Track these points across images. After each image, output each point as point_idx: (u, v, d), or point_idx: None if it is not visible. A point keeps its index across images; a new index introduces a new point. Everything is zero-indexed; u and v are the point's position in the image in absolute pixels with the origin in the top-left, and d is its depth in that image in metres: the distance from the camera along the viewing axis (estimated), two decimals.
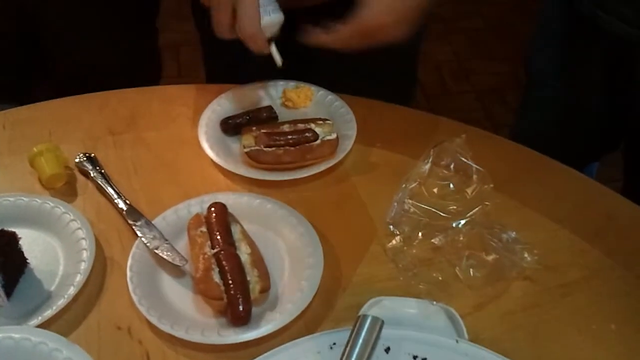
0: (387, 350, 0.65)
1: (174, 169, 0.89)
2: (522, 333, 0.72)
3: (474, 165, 0.83)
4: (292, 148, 0.87)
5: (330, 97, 0.97)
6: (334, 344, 0.66)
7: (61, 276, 0.76)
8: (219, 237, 0.75)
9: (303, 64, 1.08)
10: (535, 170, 0.90)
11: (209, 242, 0.74)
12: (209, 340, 0.68)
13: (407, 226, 0.80)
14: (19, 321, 0.69)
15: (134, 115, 0.97)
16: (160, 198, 0.84)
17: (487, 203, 0.81)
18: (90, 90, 1.01)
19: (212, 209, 0.78)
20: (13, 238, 0.74)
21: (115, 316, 0.73)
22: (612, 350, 0.70)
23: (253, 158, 0.87)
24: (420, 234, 0.79)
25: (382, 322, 0.65)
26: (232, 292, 0.70)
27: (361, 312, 0.70)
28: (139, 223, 0.79)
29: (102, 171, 0.87)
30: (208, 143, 0.90)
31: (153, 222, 0.79)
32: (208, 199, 0.81)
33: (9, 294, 0.73)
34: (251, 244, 0.76)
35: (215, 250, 0.73)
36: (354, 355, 0.62)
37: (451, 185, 0.84)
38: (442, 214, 0.81)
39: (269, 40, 0.85)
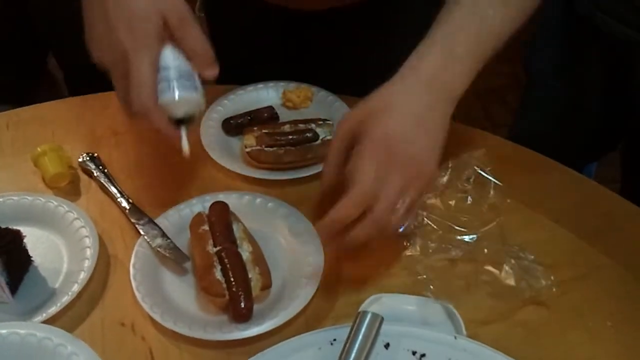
0: (387, 346, 0.66)
1: (176, 169, 0.90)
2: (519, 330, 0.73)
3: (493, 180, 0.83)
4: (293, 148, 0.88)
5: (331, 97, 0.99)
6: (335, 339, 0.67)
7: (65, 274, 0.77)
8: (220, 236, 0.76)
9: (304, 65, 1.10)
10: (535, 171, 0.91)
11: (211, 240, 0.75)
12: (211, 337, 0.69)
13: (419, 238, 0.80)
14: (24, 318, 0.70)
15: None
16: (163, 197, 0.85)
17: (501, 218, 0.81)
18: (92, 92, 1.02)
19: (214, 207, 0.79)
20: (17, 236, 0.75)
21: (118, 313, 0.74)
22: (609, 347, 0.71)
23: (254, 158, 0.88)
24: (433, 246, 0.79)
25: (382, 318, 0.66)
26: (234, 289, 0.71)
27: (361, 309, 0.71)
28: (141, 222, 0.80)
29: (105, 171, 0.88)
30: (210, 143, 0.91)
31: (155, 220, 0.80)
32: (210, 198, 0.82)
33: (13, 291, 0.74)
34: (252, 242, 0.77)
35: (217, 248, 0.74)
36: (354, 351, 0.63)
37: (469, 199, 0.83)
38: (456, 227, 0.81)
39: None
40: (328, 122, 0.92)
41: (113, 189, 0.85)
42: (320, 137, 0.89)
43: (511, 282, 0.76)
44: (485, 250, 0.78)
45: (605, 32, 1.09)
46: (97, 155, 0.90)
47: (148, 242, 0.77)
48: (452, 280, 0.77)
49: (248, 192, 0.84)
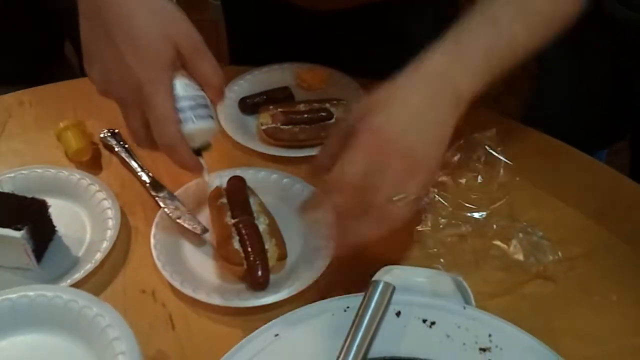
0: (398, 314, 0.69)
1: None
2: (527, 303, 0.75)
3: (503, 159, 0.85)
4: (308, 126, 0.91)
5: (345, 79, 1.01)
6: (348, 307, 0.69)
7: (88, 243, 0.80)
8: (238, 208, 0.78)
9: (320, 48, 1.12)
10: (544, 152, 0.93)
11: (229, 213, 0.78)
12: (229, 304, 0.72)
13: (430, 214, 0.82)
14: (49, 284, 0.73)
15: None
16: (182, 173, 0.86)
17: (510, 196, 0.83)
18: None
19: (232, 182, 0.82)
20: (43, 206, 0.78)
21: (139, 281, 0.76)
22: (613, 320, 0.73)
23: (270, 135, 0.91)
24: (443, 221, 0.81)
25: (394, 287, 0.68)
26: (251, 258, 0.73)
27: (373, 279, 0.73)
28: (161, 194, 0.83)
29: (126, 146, 0.90)
30: (227, 121, 0.93)
31: (175, 194, 0.83)
32: (227, 174, 0.84)
33: (39, 258, 0.77)
34: (268, 215, 0.80)
35: (235, 220, 0.77)
36: (367, 318, 0.65)
37: (479, 178, 0.85)
38: (466, 204, 0.83)
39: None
40: (342, 102, 0.94)
41: (134, 164, 0.88)
42: (335, 116, 0.91)
43: (519, 257, 0.78)
44: (495, 226, 0.80)
45: (615, 19, 1.11)
46: (118, 131, 0.93)
47: (168, 214, 0.80)
48: (461, 254, 0.79)
49: (264, 168, 0.87)
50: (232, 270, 0.75)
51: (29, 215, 0.75)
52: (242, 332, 0.69)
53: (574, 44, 1.27)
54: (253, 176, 0.85)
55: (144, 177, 0.86)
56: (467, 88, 0.70)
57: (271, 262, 0.75)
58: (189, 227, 0.79)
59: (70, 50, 1.63)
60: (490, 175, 0.85)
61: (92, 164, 0.90)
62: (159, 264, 0.75)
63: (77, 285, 0.73)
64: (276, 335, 0.67)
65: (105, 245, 0.77)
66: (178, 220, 0.79)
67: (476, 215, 0.82)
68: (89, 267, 0.75)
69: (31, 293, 0.65)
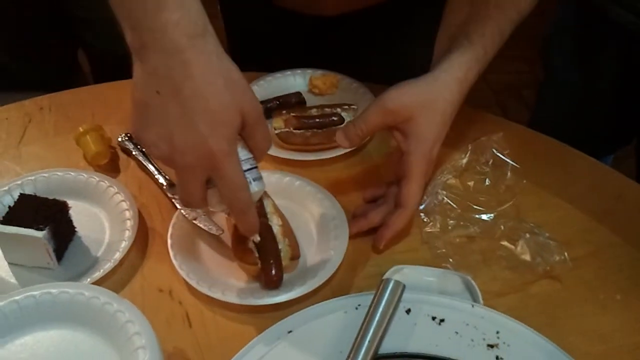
0: (408, 311, 0.71)
1: None
2: (533, 302, 0.77)
3: (510, 162, 0.87)
4: (320, 131, 0.93)
5: (355, 84, 1.03)
6: (359, 305, 0.71)
7: (107, 243, 0.82)
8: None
9: (331, 54, 1.14)
10: (551, 155, 0.95)
11: None
12: (244, 302, 0.74)
13: (439, 215, 0.84)
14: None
15: None
16: None
17: (517, 198, 0.85)
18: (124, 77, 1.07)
19: None
20: (64, 207, 0.80)
21: (157, 280, 0.79)
22: (618, 318, 0.75)
23: (283, 139, 0.93)
24: (452, 223, 0.84)
25: (404, 285, 0.70)
26: (265, 258, 0.75)
27: (384, 277, 0.75)
28: (178, 196, 0.85)
29: (143, 150, 0.93)
30: None
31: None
32: None
33: (59, 258, 0.79)
34: (282, 216, 0.82)
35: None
36: (378, 315, 0.68)
37: (487, 181, 0.88)
38: (474, 206, 0.85)
39: None
40: (353, 107, 0.96)
41: (151, 167, 0.91)
42: (346, 121, 0.94)
43: (526, 257, 0.80)
44: (502, 227, 0.82)
45: (620, 25, 1.13)
46: None
47: (184, 215, 0.82)
48: (470, 254, 0.81)
49: (277, 171, 0.89)
50: (246, 270, 0.78)
51: (50, 216, 0.78)
52: (256, 329, 0.71)
53: (580, 49, 1.28)
54: (266, 179, 0.86)
55: (161, 180, 0.89)
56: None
57: (284, 262, 0.77)
58: (205, 228, 0.81)
59: (82, 58, 1.67)
60: (497, 177, 0.87)
61: (111, 167, 0.92)
62: (175, 264, 0.77)
63: (96, 283, 0.75)
64: (289, 331, 0.69)
65: (124, 245, 0.79)
66: (194, 221, 0.82)
67: (484, 216, 0.85)
68: (108, 266, 0.77)
69: (54, 290, 0.68)
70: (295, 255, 0.78)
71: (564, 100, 1.39)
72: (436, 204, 0.85)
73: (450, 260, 0.79)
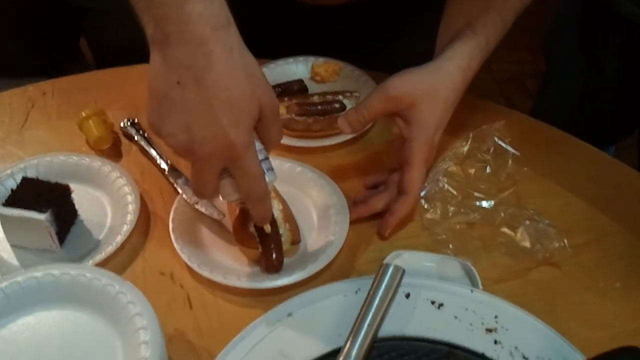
0: (407, 295, 0.71)
1: None
2: (533, 288, 0.77)
3: (511, 150, 0.87)
4: (321, 117, 0.93)
5: (357, 72, 1.04)
6: (359, 289, 0.71)
7: (109, 227, 0.82)
8: None
9: (333, 42, 1.14)
10: (552, 143, 0.96)
11: None
12: (244, 285, 0.74)
13: (439, 202, 0.85)
14: None
15: None
16: None
17: (518, 186, 0.86)
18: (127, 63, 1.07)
19: None
20: (66, 190, 0.80)
21: (158, 263, 0.79)
22: (617, 305, 0.76)
23: (285, 126, 0.93)
24: (452, 210, 0.84)
25: (404, 270, 0.71)
26: (266, 242, 0.76)
27: (384, 262, 0.76)
28: (179, 181, 0.86)
29: (145, 135, 0.93)
30: None
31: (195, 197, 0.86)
32: None
33: (61, 241, 0.80)
34: (283, 201, 0.82)
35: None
36: (377, 299, 0.68)
37: (488, 168, 0.88)
38: (475, 193, 0.86)
39: None
40: (355, 94, 0.97)
41: (153, 152, 0.91)
42: (348, 108, 0.94)
43: (526, 243, 0.80)
44: (502, 214, 0.82)
45: (623, 16, 1.13)
46: (138, 120, 0.96)
47: (186, 200, 0.83)
48: (470, 241, 0.82)
49: (279, 157, 0.89)
50: (247, 254, 0.78)
51: (53, 199, 0.78)
52: (256, 312, 0.71)
53: (583, 41, 1.28)
54: None
55: (163, 165, 0.89)
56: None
57: (285, 246, 0.77)
58: (206, 212, 0.82)
59: (84, 45, 1.67)
60: (498, 165, 0.88)
61: (113, 152, 0.93)
62: (177, 247, 0.77)
63: (98, 266, 0.76)
64: (289, 314, 0.70)
65: (126, 228, 0.80)
66: (196, 206, 0.82)
67: (484, 204, 0.85)
68: (109, 249, 0.78)
69: (56, 271, 0.68)
70: (296, 240, 0.78)
71: (566, 91, 1.39)
72: (437, 191, 0.85)
73: (450, 246, 0.80)
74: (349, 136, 0.92)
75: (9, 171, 0.85)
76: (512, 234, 0.81)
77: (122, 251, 0.80)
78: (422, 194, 0.85)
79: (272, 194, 0.82)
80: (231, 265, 0.78)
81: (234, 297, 0.76)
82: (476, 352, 0.66)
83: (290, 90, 0.99)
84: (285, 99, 0.96)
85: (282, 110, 0.94)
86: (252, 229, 0.77)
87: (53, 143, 0.94)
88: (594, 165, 0.93)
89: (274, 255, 0.76)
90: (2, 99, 1.01)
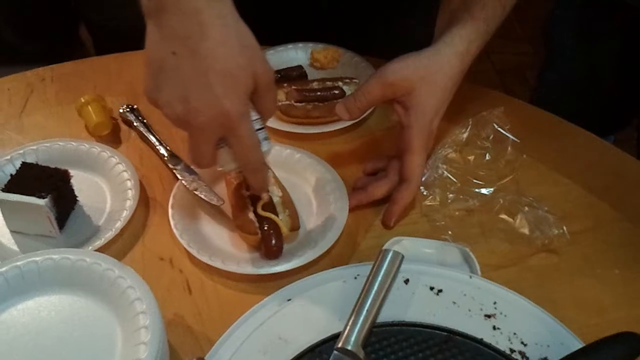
0: (407, 281, 0.71)
1: None
2: (531, 274, 0.78)
3: (511, 137, 0.87)
4: (321, 104, 0.93)
5: (357, 59, 1.03)
6: (358, 275, 0.72)
7: (108, 212, 0.82)
8: None
9: (333, 28, 1.14)
10: (551, 131, 0.96)
11: (244, 184, 0.80)
12: (244, 271, 0.75)
13: (438, 189, 0.85)
14: None
15: None
16: None
17: (517, 173, 0.86)
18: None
19: None
20: (66, 176, 0.80)
21: (157, 249, 0.79)
22: (615, 292, 0.76)
23: (284, 112, 0.93)
24: (451, 196, 0.84)
25: (403, 256, 0.71)
26: (265, 228, 0.76)
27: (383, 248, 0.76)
28: (179, 167, 0.86)
29: (145, 121, 0.93)
30: None
31: (192, 167, 0.86)
32: None
33: (61, 226, 0.80)
34: (282, 188, 0.82)
35: (250, 192, 0.79)
36: (376, 284, 0.68)
37: (487, 155, 0.88)
38: (474, 180, 0.86)
39: None
40: (355, 80, 0.96)
41: (152, 138, 0.91)
42: (347, 94, 0.94)
43: (525, 230, 0.80)
44: (501, 201, 0.83)
45: (624, 2, 1.13)
46: (137, 107, 0.95)
47: (185, 186, 0.83)
48: (469, 227, 0.82)
49: (278, 144, 0.89)
50: (247, 240, 0.78)
51: (53, 184, 0.78)
52: (255, 297, 0.72)
53: (583, 27, 1.28)
54: None
55: (162, 151, 0.89)
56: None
57: (284, 232, 0.77)
58: (206, 198, 0.82)
59: (83, 34, 1.67)
60: (497, 152, 0.88)
61: (112, 138, 0.93)
62: (176, 233, 0.77)
63: (97, 252, 0.76)
64: (289, 299, 0.70)
65: (125, 214, 0.80)
66: (195, 192, 0.82)
67: (483, 190, 0.85)
68: (109, 234, 0.78)
69: (55, 256, 0.68)
70: (295, 226, 0.78)
71: (565, 79, 1.39)
72: (436, 178, 0.85)
73: (450, 232, 0.80)
74: (348, 123, 0.92)
75: (8, 157, 0.85)
76: (511, 220, 0.81)
77: (121, 237, 0.80)
78: (421, 180, 0.85)
79: (272, 180, 0.82)
80: (230, 251, 0.78)
81: (233, 283, 0.76)
82: (475, 338, 0.66)
83: (290, 76, 0.99)
84: (285, 85, 0.96)
85: (282, 96, 0.94)
86: (251, 215, 0.77)
87: (52, 129, 0.94)
88: (593, 152, 0.93)
89: (273, 241, 0.76)
90: (1, 85, 1.01)
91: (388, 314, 0.68)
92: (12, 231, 0.80)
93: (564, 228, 0.79)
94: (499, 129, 0.88)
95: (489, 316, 0.68)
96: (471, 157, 0.88)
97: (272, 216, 0.76)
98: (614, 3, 1.12)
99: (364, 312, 0.66)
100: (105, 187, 0.85)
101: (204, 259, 0.75)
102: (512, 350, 0.65)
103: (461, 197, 0.84)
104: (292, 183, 0.85)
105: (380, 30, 1.13)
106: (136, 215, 0.81)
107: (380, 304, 0.67)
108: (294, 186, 0.85)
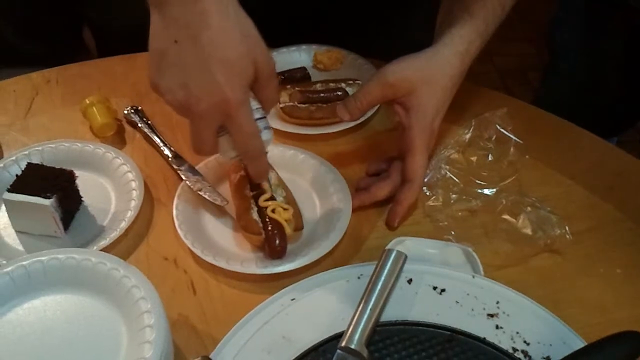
0: (410, 281, 0.72)
1: None
2: (534, 274, 0.78)
3: (514, 138, 0.88)
4: (324, 105, 0.94)
5: (360, 60, 1.04)
6: (361, 274, 0.72)
7: (113, 213, 0.83)
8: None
9: (336, 30, 1.14)
10: (554, 131, 0.96)
11: (248, 185, 0.81)
12: (248, 271, 0.75)
13: (441, 189, 0.85)
14: None
15: None
16: None
17: (520, 173, 0.86)
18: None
19: None
20: (71, 176, 0.81)
21: (162, 249, 0.80)
22: (617, 292, 0.76)
23: (288, 113, 0.94)
24: (454, 197, 0.84)
25: (406, 256, 0.71)
26: (269, 228, 0.76)
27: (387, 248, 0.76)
28: (183, 168, 0.86)
29: (149, 122, 0.94)
30: None
31: (196, 168, 0.86)
32: None
33: (66, 227, 0.80)
34: (285, 188, 0.82)
35: (254, 192, 0.80)
36: (380, 284, 0.69)
37: (490, 156, 0.89)
38: (477, 181, 0.86)
39: None
40: (358, 82, 0.97)
41: (156, 139, 0.91)
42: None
43: (528, 230, 0.80)
44: (504, 202, 0.83)
45: (627, 4, 1.13)
46: (141, 108, 0.96)
47: (189, 186, 0.83)
48: (471, 228, 0.82)
49: (281, 145, 0.90)
50: (250, 240, 0.78)
51: (58, 185, 0.78)
52: (259, 297, 0.72)
53: (586, 30, 1.28)
54: (271, 152, 0.87)
55: (166, 152, 0.89)
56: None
57: (288, 233, 0.78)
58: (210, 199, 0.82)
59: (87, 37, 1.67)
60: (500, 153, 0.88)
61: (117, 139, 0.93)
62: (180, 233, 0.78)
63: (102, 251, 0.77)
64: (293, 299, 0.70)
65: (130, 214, 0.80)
66: (199, 192, 0.83)
67: (486, 191, 0.85)
68: (114, 234, 0.78)
69: (61, 256, 0.68)
70: (299, 227, 0.79)
71: (568, 82, 1.39)
72: (439, 178, 0.86)
73: (452, 232, 0.80)
74: (351, 124, 0.92)
75: (13, 157, 0.86)
76: (514, 220, 0.81)
77: (126, 237, 0.80)
78: (424, 181, 0.85)
79: (276, 182, 0.83)
80: (234, 251, 0.79)
81: (238, 283, 0.76)
82: (477, 337, 0.67)
83: (293, 78, 1.00)
84: (288, 86, 0.96)
85: (285, 97, 0.95)
86: (255, 215, 0.78)
87: (57, 130, 0.94)
88: (595, 152, 0.93)
89: (277, 241, 0.76)
90: (7, 87, 1.02)
91: (391, 314, 0.68)
92: (17, 231, 0.80)
93: (567, 228, 0.79)
94: (502, 129, 0.88)
95: (491, 315, 0.69)
96: (474, 158, 0.89)
97: (276, 216, 0.76)
98: (616, 5, 1.12)
99: (368, 312, 0.66)
100: (110, 188, 0.86)
101: (208, 259, 0.76)
102: (514, 349, 0.66)
103: (464, 197, 0.84)
104: (295, 183, 0.86)
105: (380, 31, 1.13)
106: (141, 216, 0.82)
107: (384, 303, 0.68)
108: (298, 187, 0.85)
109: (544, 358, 0.65)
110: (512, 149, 0.87)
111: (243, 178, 0.82)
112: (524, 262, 0.79)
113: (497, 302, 0.70)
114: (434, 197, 0.84)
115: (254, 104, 0.69)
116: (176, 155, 0.89)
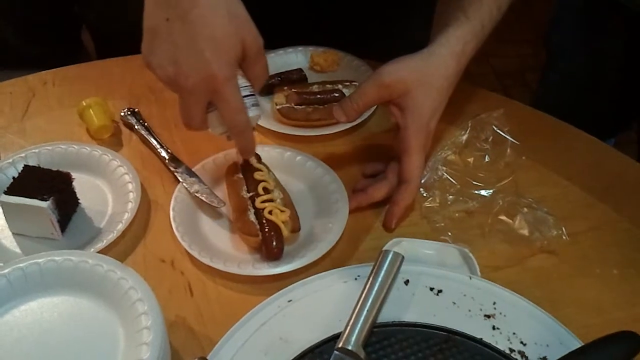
0: (407, 282, 0.72)
1: None
2: (531, 275, 0.78)
3: (510, 139, 0.88)
4: (321, 106, 0.94)
5: (357, 62, 1.04)
6: (359, 276, 0.72)
7: (110, 215, 0.83)
8: (253, 183, 0.81)
9: (332, 31, 1.15)
10: (551, 132, 0.96)
11: (244, 187, 0.81)
12: (245, 272, 0.75)
13: (438, 190, 0.85)
14: None
15: None
16: (199, 150, 0.91)
17: (517, 174, 0.86)
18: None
19: None
20: (68, 178, 0.81)
21: (159, 251, 0.80)
22: (614, 292, 0.76)
23: (284, 115, 0.94)
24: (451, 198, 0.84)
25: (403, 257, 0.71)
26: (266, 230, 0.76)
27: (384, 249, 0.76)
28: (180, 170, 0.86)
29: (146, 124, 0.94)
30: None
31: (193, 169, 0.86)
32: None
33: (63, 229, 0.80)
34: (282, 189, 0.83)
35: (250, 194, 0.80)
36: (377, 285, 0.68)
37: (487, 157, 0.89)
38: (474, 182, 0.86)
39: None
40: (354, 83, 0.97)
41: (153, 141, 0.91)
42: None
43: (524, 231, 0.81)
44: (501, 202, 0.83)
45: (625, 5, 1.13)
46: (138, 110, 0.96)
47: (186, 188, 0.83)
48: (468, 229, 0.82)
49: (278, 146, 0.90)
50: (247, 241, 0.78)
51: (54, 187, 0.78)
52: (256, 299, 0.72)
53: (585, 31, 1.28)
54: (268, 153, 0.88)
55: (163, 154, 0.90)
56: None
57: (285, 234, 0.78)
58: (207, 201, 0.82)
59: (85, 39, 1.67)
60: (497, 154, 0.88)
61: (113, 141, 0.93)
62: (178, 235, 0.78)
63: (99, 253, 0.77)
64: (290, 300, 0.70)
65: (127, 216, 0.80)
66: (196, 194, 0.83)
67: (483, 192, 0.85)
68: (111, 236, 0.78)
69: (58, 258, 0.68)
70: (296, 228, 0.79)
71: (566, 83, 1.39)
72: (436, 180, 0.86)
73: (449, 234, 0.80)
74: (348, 125, 0.92)
75: (10, 160, 0.86)
76: (511, 221, 0.82)
77: (123, 239, 0.80)
78: (421, 182, 0.85)
79: (273, 183, 0.83)
80: (231, 253, 0.79)
81: (235, 285, 0.76)
82: (474, 338, 0.67)
83: (290, 79, 1.00)
84: (285, 88, 0.97)
85: (282, 99, 0.95)
86: (252, 217, 0.78)
87: (54, 132, 0.94)
88: (592, 153, 0.94)
89: (274, 243, 0.76)
90: (3, 89, 1.02)
91: (388, 315, 0.68)
92: (14, 233, 0.80)
93: (563, 229, 0.80)
94: (498, 131, 0.88)
95: (488, 316, 0.69)
96: (470, 159, 0.89)
97: (273, 218, 0.77)
98: (613, 5, 1.12)
99: (365, 313, 0.66)
100: (107, 190, 0.86)
101: (205, 260, 0.76)
102: (511, 350, 0.66)
103: (461, 198, 0.85)
104: (292, 185, 0.86)
105: (381, 31, 1.13)
106: (138, 218, 0.82)
107: (381, 304, 0.68)
108: (295, 188, 0.86)
109: (541, 358, 0.65)
110: (508, 150, 0.88)
111: (240, 180, 0.82)
112: (520, 262, 0.79)
113: (494, 303, 0.70)
114: (430, 198, 0.85)
115: (243, 82, 0.73)
116: (173, 157, 0.89)
